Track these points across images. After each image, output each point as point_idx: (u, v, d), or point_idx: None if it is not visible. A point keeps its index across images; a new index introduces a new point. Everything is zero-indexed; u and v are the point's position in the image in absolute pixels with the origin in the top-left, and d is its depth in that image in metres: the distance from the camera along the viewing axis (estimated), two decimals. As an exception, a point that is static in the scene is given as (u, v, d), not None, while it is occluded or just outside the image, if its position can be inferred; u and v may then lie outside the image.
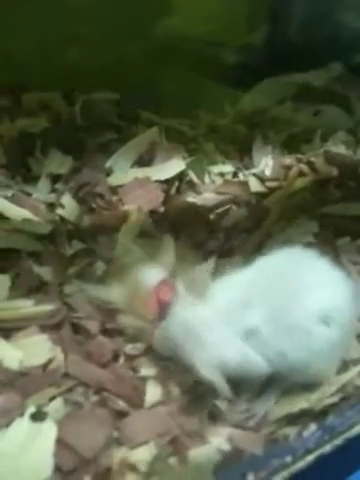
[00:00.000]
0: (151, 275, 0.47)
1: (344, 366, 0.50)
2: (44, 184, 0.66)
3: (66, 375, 0.44)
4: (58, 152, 0.71)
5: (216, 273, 0.53)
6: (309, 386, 0.48)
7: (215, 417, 0.44)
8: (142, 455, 0.39)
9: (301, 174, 0.78)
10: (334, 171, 0.79)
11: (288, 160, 0.81)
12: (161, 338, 0.45)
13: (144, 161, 0.73)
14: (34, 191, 0.65)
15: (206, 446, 0.42)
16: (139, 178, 0.68)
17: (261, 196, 0.73)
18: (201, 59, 0.99)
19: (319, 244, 0.64)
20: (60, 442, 0.39)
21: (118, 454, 0.39)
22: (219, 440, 0.43)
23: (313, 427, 0.45)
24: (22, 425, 0.39)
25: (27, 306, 0.48)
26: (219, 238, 0.64)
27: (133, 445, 0.40)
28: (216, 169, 0.78)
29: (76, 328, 0.48)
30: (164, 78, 0.95)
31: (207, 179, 0.75)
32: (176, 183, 0.71)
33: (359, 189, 0.76)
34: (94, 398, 0.43)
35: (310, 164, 0.79)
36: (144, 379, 0.45)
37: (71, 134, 0.76)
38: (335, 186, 0.77)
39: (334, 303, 0.46)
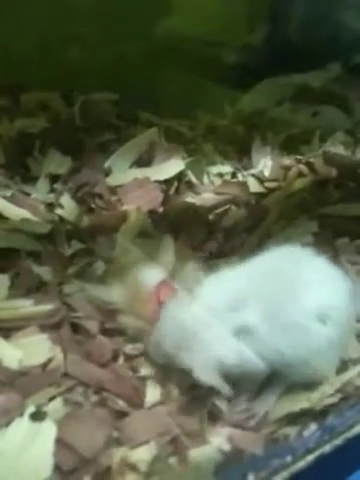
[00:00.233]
0: (151, 275, 0.47)
1: (344, 366, 0.50)
2: (43, 184, 0.66)
3: (66, 375, 0.43)
4: (57, 152, 0.71)
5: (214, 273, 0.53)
6: (309, 386, 0.47)
7: (215, 417, 0.44)
8: (142, 455, 0.39)
9: (300, 175, 0.78)
10: (333, 172, 0.79)
11: (287, 161, 0.81)
12: (154, 343, 0.45)
13: (143, 161, 0.73)
14: (33, 191, 0.65)
15: (206, 446, 0.42)
16: (138, 178, 0.68)
17: (260, 196, 0.73)
18: (200, 59, 0.99)
19: (318, 244, 0.64)
20: (60, 442, 0.38)
21: (118, 454, 0.39)
22: (219, 440, 0.43)
23: (313, 427, 0.45)
24: (22, 425, 0.39)
25: (26, 306, 0.47)
26: (218, 238, 0.64)
27: (133, 445, 0.40)
28: (215, 169, 0.78)
29: (76, 328, 0.47)
30: (163, 78, 0.95)
31: (206, 179, 0.75)
32: (175, 183, 0.71)
33: (358, 189, 0.76)
34: (94, 398, 0.43)
35: (309, 165, 0.79)
36: (144, 379, 0.45)
37: (70, 134, 0.76)
38: (334, 186, 0.77)
39: (331, 301, 0.46)
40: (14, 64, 0.82)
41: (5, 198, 0.61)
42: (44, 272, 0.52)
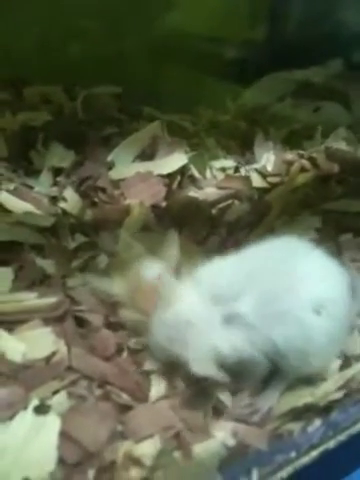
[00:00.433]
0: (152, 270, 0.46)
1: (347, 362, 0.50)
2: (46, 177, 0.66)
3: (69, 368, 0.43)
4: (60, 146, 0.70)
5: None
6: (313, 381, 0.48)
7: (219, 412, 0.44)
8: (146, 449, 0.39)
9: (303, 170, 0.78)
10: (335, 167, 0.79)
11: (289, 156, 0.81)
12: (153, 339, 0.44)
13: (146, 155, 0.73)
14: (36, 184, 0.64)
15: (210, 441, 0.42)
16: (141, 172, 0.68)
17: (263, 191, 0.73)
18: (202, 55, 0.99)
19: (321, 240, 0.64)
20: (64, 435, 0.38)
21: (122, 448, 0.39)
22: (223, 435, 0.43)
23: (317, 423, 0.45)
24: (26, 418, 0.39)
25: (30, 299, 0.47)
26: (221, 233, 0.64)
27: (137, 439, 0.40)
28: (218, 164, 0.77)
29: (79, 321, 0.47)
30: (165, 73, 0.95)
31: (209, 174, 0.75)
32: (178, 178, 0.71)
33: (360, 185, 0.76)
34: (98, 392, 0.42)
35: (311, 160, 0.79)
36: (148, 373, 0.45)
37: (73, 128, 0.76)
38: (336, 182, 0.77)
39: (327, 293, 0.46)
40: (17, 58, 0.81)
41: (8, 191, 0.60)
42: (48, 265, 0.51)
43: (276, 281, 0.45)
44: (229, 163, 0.78)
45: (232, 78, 1.01)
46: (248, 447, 0.42)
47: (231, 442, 0.42)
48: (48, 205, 0.60)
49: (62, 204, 0.60)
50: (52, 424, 0.38)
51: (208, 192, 0.72)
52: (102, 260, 0.54)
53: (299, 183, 0.75)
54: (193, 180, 0.73)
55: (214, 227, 0.64)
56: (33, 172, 0.67)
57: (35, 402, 0.39)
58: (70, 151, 0.70)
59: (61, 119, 0.76)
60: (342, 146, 0.87)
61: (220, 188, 0.72)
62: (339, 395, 0.47)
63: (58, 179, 0.65)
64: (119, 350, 0.46)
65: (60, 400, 0.41)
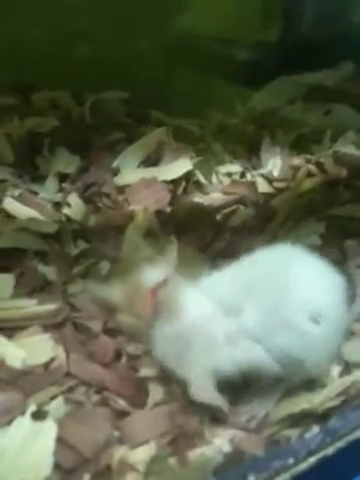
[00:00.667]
0: (152, 276, 0.47)
1: (347, 369, 0.50)
2: (51, 183, 0.67)
3: (68, 374, 0.44)
4: (66, 151, 0.71)
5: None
6: (311, 387, 0.48)
7: (216, 418, 0.44)
8: (142, 455, 0.40)
9: (309, 175, 0.78)
10: (343, 172, 0.79)
11: (297, 160, 0.80)
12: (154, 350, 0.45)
13: (151, 161, 0.74)
14: (41, 190, 0.65)
15: (207, 447, 0.42)
16: (146, 178, 0.68)
17: (269, 197, 0.73)
18: (213, 57, 0.99)
19: (325, 246, 0.64)
20: (61, 441, 0.39)
21: (118, 453, 0.39)
22: (220, 441, 0.43)
23: (315, 429, 0.45)
24: (23, 423, 0.39)
25: (30, 305, 0.48)
26: (226, 239, 0.64)
27: (133, 445, 0.40)
28: (224, 169, 0.77)
29: (79, 328, 0.48)
30: (175, 77, 0.95)
31: (214, 179, 0.75)
32: (183, 183, 0.71)
33: (368, 190, 0.76)
34: (95, 397, 0.43)
35: (319, 165, 0.79)
36: (146, 379, 0.45)
37: (79, 133, 0.77)
38: (344, 187, 0.76)
39: (323, 300, 0.46)
40: (25, 63, 0.82)
41: (13, 197, 0.61)
42: (49, 272, 0.52)
43: (273, 291, 0.45)
44: (235, 168, 0.78)
45: (243, 81, 1.01)
46: (244, 453, 0.43)
47: (227, 448, 0.42)
48: (52, 211, 0.60)
49: (66, 210, 0.61)
50: (49, 430, 0.39)
51: (213, 197, 0.72)
52: (104, 266, 0.54)
53: (305, 188, 0.75)
54: (198, 185, 0.73)
55: (218, 233, 0.65)
56: (39, 178, 0.68)
57: (33, 408, 0.40)
58: (76, 157, 0.71)
59: (68, 125, 0.77)
60: (351, 150, 0.86)
61: (226, 193, 0.73)
62: (338, 402, 0.47)
63: (63, 185, 0.66)
64: (117, 356, 0.46)
65: (58, 406, 0.41)
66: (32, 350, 0.45)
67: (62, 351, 0.45)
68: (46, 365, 0.44)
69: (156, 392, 0.45)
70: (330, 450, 0.45)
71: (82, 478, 0.38)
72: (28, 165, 0.69)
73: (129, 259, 0.53)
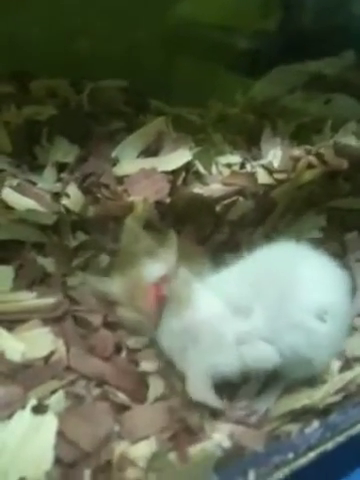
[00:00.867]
0: (153, 270, 0.46)
1: (348, 364, 0.50)
2: (50, 173, 0.66)
3: (68, 368, 0.44)
4: (65, 140, 0.70)
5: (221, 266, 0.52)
6: (312, 383, 0.47)
7: (216, 413, 0.44)
8: (143, 450, 0.39)
9: (310, 166, 0.77)
10: (344, 163, 0.78)
11: (297, 151, 0.80)
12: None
13: (151, 151, 0.73)
14: (39, 180, 0.64)
15: (207, 442, 0.42)
16: (145, 169, 0.68)
17: (269, 188, 0.73)
18: (213, 46, 0.98)
19: (325, 239, 0.64)
20: (61, 435, 0.39)
21: (119, 448, 0.39)
22: (220, 436, 0.43)
23: (315, 424, 0.45)
24: (23, 417, 0.39)
25: (30, 298, 0.47)
26: (225, 231, 0.64)
27: (133, 440, 0.40)
28: (224, 160, 0.77)
29: (79, 321, 0.47)
30: (175, 65, 0.94)
31: (214, 170, 0.75)
32: (183, 174, 0.70)
33: (369, 182, 0.75)
34: (96, 391, 0.43)
35: (319, 156, 0.78)
36: (146, 373, 0.45)
37: (78, 122, 0.76)
38: (344, 179, 0.76)
39: (328, 298, 0.46)
40: (23, 51, 0.81)
41: (11, 187, 0.60)
42: (48, 264, 0.52)
43: (280, 290, 0.44)
44: (235, 159, 0.77)
45: (243, 70, 0.99)
46: (245, 448, 0.43)
47: (228, 444, 0.42)
48: (51, 202, 0.60)
49: (65, 201, 0.60)
50: (49, 424, 0.39)
51: (213, 188, 0.71)
52: (103, 259, 0.54)
53: (305, 180, 0.74)
54: (198, 176, 0.72)
55: (219, 224, 0.64)
56: (37, 167, 0.67)
57: (33, 402, 0.40)
58: (75, 146, 0.70)
59: (66, 113, 0.76)
60: (352, 141, 0.85)
61: (225, 184, 0.72)
62: (338, 397, 0.47)
63: (62, 175, 0.65)
64: (118, 350, 0.46)
65: (58, 400, 0.41)
66: (32, 343, 0.44)
67: (62, 345, 0.45)
68: (46, 359, 0.44)
69: (156, 386, 0.44)
70: (330, 445, 0.45)
71: (83, 473, 0.38)
72: (26, 154, 0.68)
73: (129, 251, 0.52)
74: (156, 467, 0.39)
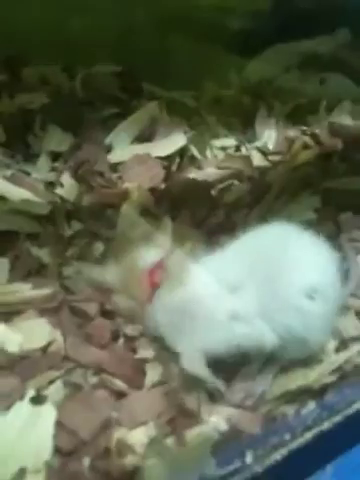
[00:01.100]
0: (148, 256, 0.47)
1: (343, 344, 0.50)
2: (43, 162, 0.65)
3: (65, 358, 0.44)
4: (58, 128, 0.69)
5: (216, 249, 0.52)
6: (308, 364, 0.48)
7: (213, 397, 0.45)
8: (140, 436, 0.40)
9: (305, 147, 0.76)
10: (338, 143, 0.78)
11: (292, 132, 0.79)
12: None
13: (145, 136, 0.72)
14: (34, 170, 0.64)
15: (204, 426, 0.42)
16: (139, 155, 0.67)
17: (264, 170, 0.72)
18: (207, 26, 0.96)
19: (320, 219, 0.64)
20: (60, 424, 0.39)
21: (117, 435, 0.40)
22: (217, 419, 0.43)
23: (312, 405, 0.46)
24: (22, 408, 0.40)
25: (26, 289, 0.48)
26: (220, 214, 0.64)
27: (132, 426, 0.41)
28: (218, 143, 0.76)
29: (75, 311, 0.48)
30: (168, 47, 0.93)
31: (209, 153, 0.74)
32: (177, 159, 0.70)
33: (364, 162, 0.75)
34: (93, 380, 0.43)
35: (314, 136, 0.78)
36: (143, 360, 0.45)
37: (71, 109, 0.75)
38: (339, 159, 0.75)
39: (319, 277, 0.46)
40: (15, 37, 0.80)
41: (5, 178, 0.60)
42: (43, 254, 0.52)
43: (270, 271, 0.45)
44: (230, 141, 0.77)
45: (237, 50, 0.98)
46: (242, 431, 0.43)
47: (224, 427, 0.43)
48: (45, 192, 0.59)
49: (59, 190, 0.60)
50: (48, 414, 0.39)
51: (208, 172, 0.70)
52: (98, 247, 0.54)
53: (301, 161, 0.74)
54: (193, 160, 0.72)
55: (214, 208, 0.64)
56: (31, 156, 0.66)
57: (31, 392, 0.40)
58: (68, 134, 0.69)
59: (59, 100, 0.75)
60: (347, 120, 0.85)
61: (220, 168, 0.71)
62: (334, 377, 0.47)
63: (56, 164, 0.65)
64: (115, 338, 0.46)
65: (56, 389, 0.42)
66: (29, 334, 0.45)
67: (59, 334, 0.45)
68: (43, 349, 0.44)
69: (154, 372, 0.45)
70: (326, 425, 0.45)
71: (82, 461, 0.38)
72: (20, 144, 0.68)
73: (124, 238, 0.52)
74: (154, 452, 0.39)
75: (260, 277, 0.45)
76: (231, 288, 0.44)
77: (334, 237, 0.60)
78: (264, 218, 0.62)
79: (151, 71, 0.84)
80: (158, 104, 0.75)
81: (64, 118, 0.71)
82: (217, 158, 0.74)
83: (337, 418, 0.46)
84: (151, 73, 0.84)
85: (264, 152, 0.75)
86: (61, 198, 0.58)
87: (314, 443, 0.45)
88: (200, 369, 0.43)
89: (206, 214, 0.63)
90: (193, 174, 0.69)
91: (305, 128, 0.80)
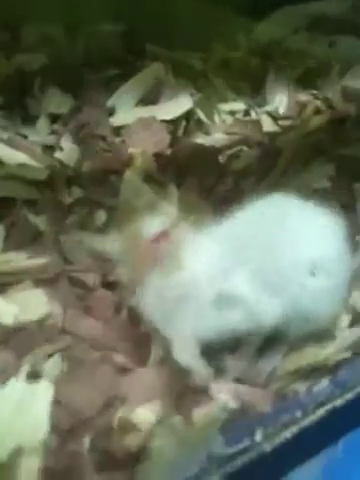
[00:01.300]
0: (152, 225, 0.44)
1: (356, 319, 0.48)
2: (42, 125, 0.62)
3: (64, 331, 0.42)
4: (57, 90, 0.67)
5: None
6: (320, 339, 0.46)
7: (222, 373, 0.42)
8: (145, 415, 0.38)
9: (317, 112, 0.73)
10: (352, 108, 0.75)
11: (303, 96, 0.76)
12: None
13: (149, 99, 0.69)
14: (32, 133, 0.61)
15: (212, 404, 0.40)
16: (144, 118, 0.64)
17: (274, 136, 0.69)
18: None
19: (334, 188, 0.61)
20: (58, 401, 0.37)
21: (119, 413, 0.38)
22: (226, 397, 0.41)
23: (324, 382, 0.44)
24: (17, 385, 0.38)
25: (22, 259, 0.45)
26: (229, 182, 0.61)
27: (136, 404, 0.38)
28: (226, 107, 0.73)
29: (74, 281, 0.45)
30: (174, 7, 0.90)
31: (217, 118, 0.71)
32: (183, 123, 0.67)
33: (378, 128, 0.72)
34: (94, 355, 0.41)
35: (326, 101, 0.75)
36: (148, 334, 0.43)
37: (72, 70, 0.72)
38: (353, 124, 0.72)
39: (322, 252, 0.44)
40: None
41: (1, 141, 0.57)
42: (41, 222, 0.49)
43: (271, 246, 0.42)
44: (239, 105, 0.74)
45: (246, 11, 0.95)
46: (251, 409, 0.41)
47: (233, 404, 0.41)
48: (43, 156, 0.57)
49: (58, 154, 0.57)
50: (45, 390, 0.37)
51: (216, 138, 0.68)
52: (100, 215, 0.51)
53: (312, 127, 0.71)
54: (200, 125, 0.69)
55: (221, 176, 0.62)
56: (29, 119, 0.63)
57: (27, 367, 0.38)
58: (68, 96, 0.66)
59: (59, 61, 0.72)
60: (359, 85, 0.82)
61: (228, 133, 0.69)
62: (347, 354, 0.45)
63: (55, 127, 0.62)
64: (117, 311, 0.44)
65: (54, 364, 0.39)
66: (25, 306, 0.42)
67: (58, 307, 0.43)
68: (40, 322, 0.42)
69: (159, 347, 0.42)
70: (339, 402, 0.43)
71: (82, 440, 0.36)
72: (17, 106, 0.65)
73: (127, 206, 0.50)
74: (160, 432, 0.37)
75: (260, 253, 0.42)
76: (225, 268, 0.41)
77: (349, 206, 0.57)
78: (275, 187, 0.60)
79: (156, 32, 0.81)
80: (163, 65, 0.72)
81: (64, 79, 0.68)
82: (225, 123, 0.71)
83: (349, 395, 0.44)
84: (156, 34, 0.81)
85: (274, 117, 0.72)
86: (60, 163, 0.56)
87: (326, 420, 0.43)
88: (191, 361, 0.40)
89: (214, 182, 0.61)
90: (200, 139, 0.67)
91: (316, 92, 0.77)
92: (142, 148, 0.60)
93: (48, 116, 0.63)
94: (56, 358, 0.40)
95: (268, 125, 0.70)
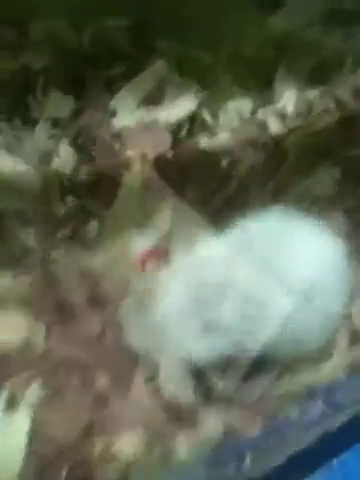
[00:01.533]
0: (142, 240, 0.43)
1: (356, 337, 0.46)
2: (41, 129, 0.61)
3: (45, 355, 0.41)
4: (59, 91, 0.65)
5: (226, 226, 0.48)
6: (316, 360, 0.44)
7: (209, 396, 0.41)
8: (126, 443, 0.37)
9: (326, 110, 0.71)
10: (363, 107, 0.72)
11: (313, 94, 0.73)
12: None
13: (153, 99, 0.67)
14: (30, 137, 0.59)
15: (199, 430, 0.39)
16: (145, 120, 0.62)
17: (281, 137, 0.67)
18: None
19: (341, 192, 0.59)
20: (37, 431, 0.36)
21: (100, 443, 0.37)
22: (214, 421, 0.40)
23: (318, 403, 0.43)
24: (-5, 412, 0.37)
25: (6, 280, 0.44)
26: (232, 187, 0.59)
27: (117, 432, 0.38)
28: (233, 105, 0.71)
29: (60, 301, 0.44)
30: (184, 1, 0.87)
31: (222, 117, 0.69)
32: (187, 124, 0.65)
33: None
34: (75, 380, 0.40)
35: (336, 99, 0.72)
36: (133, 357, 0.42)
37: (76, 68, 0.70)
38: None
39: (316, 275, 0.42)
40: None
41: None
42: (30, 236, 0.48)
43: (262, 269, 0.41)
44: (246, 104, 0.72)
45: (258, 2, 0.92)
46: (240, 432, 0.40)
47: (221, 429, 0.40)
48: (38, 164, 0.55)
49: (55, 160, 0.56)
50: (22, 420, 0.36)
51: (220, 139, 0.66)
52: (92, 227, 0.50)
53: (321, 127, 0.69)
54: (204, 125, 0.67)
55: (225, 180, 0.60)
56: (30, 122, 0.62)
57: (6, 395, 0.37)
58: (70, 96, 0.65)
59: (64, 59, 0.70)
60: (372, 81, 0.79)
61: (234, 134, 0.67)
62: (344, 374, 0.44)
63: (54, 131, 0.60)
64: (103, 331, 0.43)
65: (33, 392, 0.38)
66: (5, 331, 0.41)
67: (40, 329, 0.42)
68: (21, 347, 0.41)
69: (144, 368, 0.41)
70: (332, 424, 0.42)
71: (60, 470, 0.35)
72: (20, 107, 0.64)
73: (120, 218, 0.48)
74: (142, 462, 0.36)
75: (250, 276, 0.41)
76: (212, 292, 0.40)
77: (355, 212, 0.56)
78: (280, 190, 0.58)
79: (164, 26, 0.78)
80: (168, 62, 0.70)
81: (68, 78, 0.67)
82: (231, 122, 0.69)
83: (344, 417, 0.43)
84: (164, 28, 0.78)
85: (282, 116, 0.70)
86: (56, 172, 0.54)
87: (320, 442, 0.42)
88: (182, 392, 0.39)
89: (216, 187, 0.59)
90: (204, 140, 0.65)
91: (327, 89, 0.74)
92: (142, 151, 0.58)
93: (48, 120, 0.62)
94: (35, 385, 0.39)
95: (275, 125, 0.68)
